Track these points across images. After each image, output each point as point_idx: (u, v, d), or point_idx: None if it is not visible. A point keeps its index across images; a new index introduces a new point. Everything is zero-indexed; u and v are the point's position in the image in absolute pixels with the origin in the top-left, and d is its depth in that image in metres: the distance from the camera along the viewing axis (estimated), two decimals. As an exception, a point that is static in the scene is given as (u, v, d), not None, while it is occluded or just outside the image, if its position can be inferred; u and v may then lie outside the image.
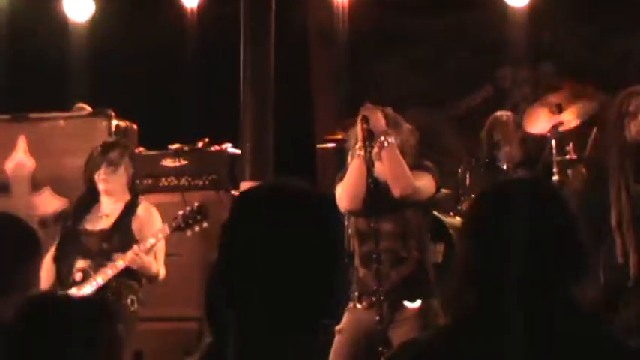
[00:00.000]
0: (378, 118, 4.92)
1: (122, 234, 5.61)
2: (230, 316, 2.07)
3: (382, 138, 4.88)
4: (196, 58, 8.81)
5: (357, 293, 4.96)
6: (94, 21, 8.49)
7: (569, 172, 7.06)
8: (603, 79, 8.74)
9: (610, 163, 5.37)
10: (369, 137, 4.87)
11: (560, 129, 6.99)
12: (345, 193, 4.96)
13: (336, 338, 4.97)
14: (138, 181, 6.86)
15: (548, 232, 2.26)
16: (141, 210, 5.73)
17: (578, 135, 7.27)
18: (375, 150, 4.88)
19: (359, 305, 4.96)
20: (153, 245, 5.52)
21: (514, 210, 2.27)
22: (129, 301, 5.61)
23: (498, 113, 7.33)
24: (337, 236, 2.14)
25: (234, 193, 6.92)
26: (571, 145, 7.10)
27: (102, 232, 5.63)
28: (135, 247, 5.47)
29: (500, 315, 2.21)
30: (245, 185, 6.59)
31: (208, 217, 5.49)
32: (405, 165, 4.88)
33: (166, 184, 7.16)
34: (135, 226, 5.66)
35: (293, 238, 2.04)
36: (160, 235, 5.53)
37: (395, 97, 8.97)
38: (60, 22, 8.50)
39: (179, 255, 6.70)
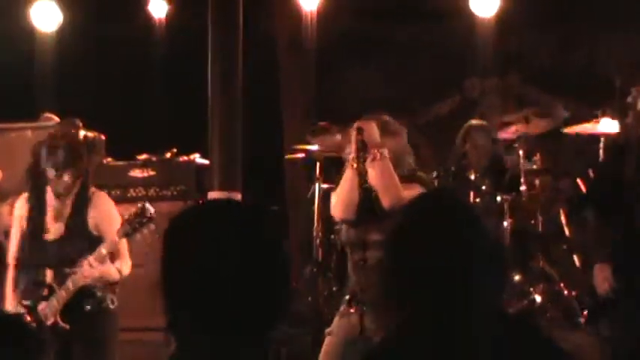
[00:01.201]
0: (373, 131, 5.00)
1: (80, 237, 5.53)
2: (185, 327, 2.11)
3: (375, 150, 4.95)
4: (164, 68, 8.80)
5: (347, 298, 5.07)
6: (62, 31, 8.46)
7: (537, 181, 7.12)
8: (568, 87, 8.82)
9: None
10: (363, 148, 4.94)
11: (528, 133, 7.03)
12: (339, 202, 5.07)
13: (327, 340, 5.09)
14: (106, 192, 6.86)
15: (457, 246, 2.33)
16: (94, 205, 5.61)
17: (545, 145, 7.33)
18: (368, 161, 4.96)
19: (351, 310, 5.04)
20: (104, 255, 5.43)
21: (424, 228, 2.38)
22: (109, 301, 5.59)
23: (472, 122, 7.38)
24: (273, 250, 2.15)
25: (203, 203, 6.90)
26: (538, 154, 7.16)
27: (60, 239, 5.55)
28: (88, 259, 5.37)
29: (423, 337, 2.28)
30: (213, 195, 6.58)
31: (153, 218, 5.42)
32: (396, 177, 4.97)
33: (134, 194, 7.14)
34: (91, 223, 5.57)
35: (243, 254, 2.08)
36: (110, 243, 5.43)
37: (363, 105, 9.01)
38: (27, 32, 8.46)
39: (142, 266, 6.68)
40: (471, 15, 8.55)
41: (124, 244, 5.54)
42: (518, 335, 2.35)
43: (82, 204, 5.57)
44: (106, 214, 5.58)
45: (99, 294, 5.50)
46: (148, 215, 5.36)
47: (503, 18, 8.59)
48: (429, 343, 2.28)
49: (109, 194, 6.97)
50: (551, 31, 9.33)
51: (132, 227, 5.35)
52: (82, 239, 5.49)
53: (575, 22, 9.13)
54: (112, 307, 5.56)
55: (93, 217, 5.54)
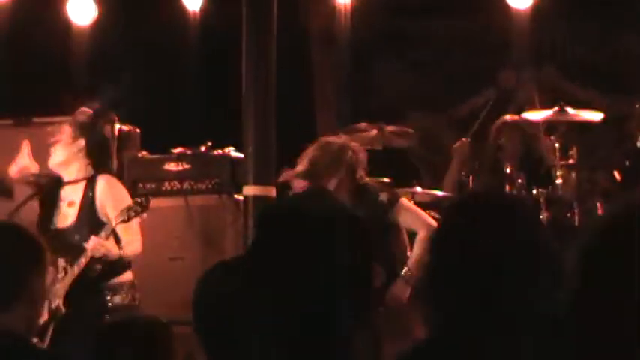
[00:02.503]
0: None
1: (89, 223, 5.70)
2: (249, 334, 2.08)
3: None
4: (199, 62, 8.82)
5: None
6: (97, 25, 8.50)
7: (573, 174, 7.07)
8: (606, 79, 8.75)
9: None
10: None
11: (564, 128, 6.99)
12: None
13: None
14: (141, 185, 6.96)
15: (514, 249, 2.25)
16: (99, 189, 5.78)
17: (581, 139, 7.28)
18: None
19: None
20: (108, 234, 5.60)
21: (479, 227, 2.28)
22: (131, 298, 5.73)
23: (506, 117, 7.36)
24: (366, 255, 2.15)
25: (237, 197, 6.92)
26: (574, 148, 7.10)
27: (70, 227, 5.72)
28: (98, 236, 5.55)
29: (468, 336, 2.23)
30: (248, 189, 6.59)
31: (147, 209, 5.63)
32: None
33: (169, 188, 7.17)
34: (99, 208, 5.73)
35: (322, 256, 2.06)
36: (114, 224, 5.60)
37: (397, 100, 8.99)
38: (63, 26, 8.50)
39: (181, 259, 6.72)
40: (506, 7, 8.50)
41: (132, 225, 5.67)
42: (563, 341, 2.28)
43: (90, 189, 5.73)
44: (109, 197, 5.72)
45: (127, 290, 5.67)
46: (146, 206, 5.63)
47: (539, 10, 8.53)
48: (473, 344, 2.23)
49: (144, 187, 7.07)
50: (588, 22, 9.26)
51: (128, 215, 5.55)
52: (91, 226, 5.65)
53: (611, 13, 9.05)
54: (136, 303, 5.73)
55: (100, 201, 5.70)
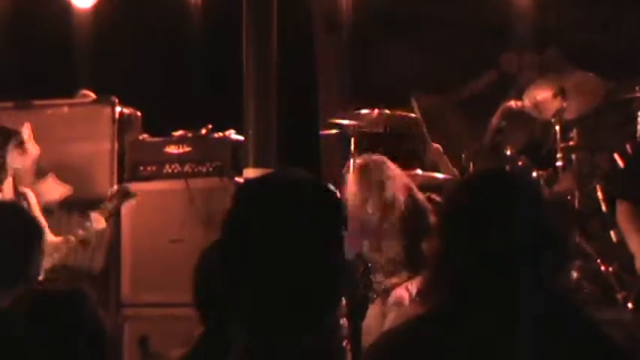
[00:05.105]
0: None
1: None
2: (232, 309, 2.06)
3: None
4: (200, 44, 8.80)
5: None
6: (98, 7, 8.48)
7: (573, 157, 7.06)
8: (611, 63, 8.71)
9: None
10: None
11: (565, 116, 6.98)
12: None
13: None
14: (142, 168, 7.03)
15: (523, 226, 2.26)
16: None
17: (582, 121, 7.26)
18: None
19: None
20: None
21: (487, 206, 2.28)
22: None
23: (509, 103, 7.35)
24: (340, 229, 2.13)
25: (238, 179, 6.92)
26: (575, 130, 7.09)
27: None
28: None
29: (471, 310, 2.23)
30: (249, 172, 6.60)
31: (132, 194, 6.02)
32: None
33: (170, 170, 7.17)
34: None
35: (297, 230, 2.04)
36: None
37: (400, 83, 8.96)
38: (63, 9, 8.49)
39: (181, 241, 6.74)
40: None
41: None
42: (573, 325, 2.28)
43: None
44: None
45: None
46: (129, 192, 5.97)
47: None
48: (476, 319, 2.23)
49: (145, 170, 7.10)
50: (591, 5, 9.22)
51: (114, 206, 5.73)
52: None
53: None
54: None
55: None
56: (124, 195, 5.99)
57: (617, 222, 4.94)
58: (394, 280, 6.18)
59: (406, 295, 6.05)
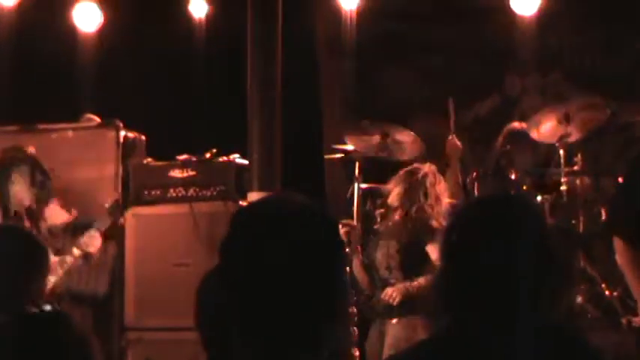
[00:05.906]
0: None
1: None
2: (233, 332, 2.06)
3: None
4: (204, 69, 8.82)
5: None
6: (102, 31, 8.51)
7: (578, 181, 7.07)
8: (613, 86, 8.73)
9: None
10: None
11: (569, 140, 6.98)
12: None
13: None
14: (146, 192, 7.06)
15: (524, 253, 2.28)
16: None
17: (586, 146, 7.27)
18: None
19: None
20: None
21: (490, 233, 2.31)
22: None
23: (513, 124, 7.36)
24: (338, 252, 2.14)
25: (242, 203, 6.93)
26: (579, 155, 7.10)
27: None
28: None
29: (475, 338, 2.24)
30: (253, 196, 6.61)
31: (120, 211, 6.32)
32: None
33: (174, 194, 7.17)
34: None
35: (294, 254, 2.04)
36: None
37: (402, 106, 8.98)
38: (68, 33, 8.52)
39: (186, 265, 6.74)
40: (511, 13, 8.50)
41: None
42: (566, 351, 2.29)
43: None
44: None
45: None
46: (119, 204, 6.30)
47: (545, 16, 8.53)
48: (474, 346, 2.25)
49: (149, 194, 7.11)
50: (594, 29, 9.25)
51: (112, 220, 6.14)
52: None
53: (618, 21, 9.04)
54: None
55: None
56: (117, 207, 6.10)
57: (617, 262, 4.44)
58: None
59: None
